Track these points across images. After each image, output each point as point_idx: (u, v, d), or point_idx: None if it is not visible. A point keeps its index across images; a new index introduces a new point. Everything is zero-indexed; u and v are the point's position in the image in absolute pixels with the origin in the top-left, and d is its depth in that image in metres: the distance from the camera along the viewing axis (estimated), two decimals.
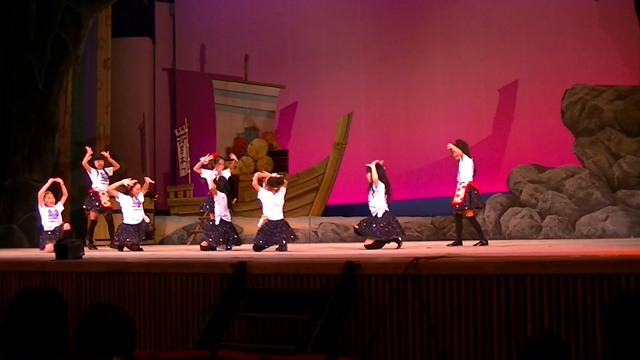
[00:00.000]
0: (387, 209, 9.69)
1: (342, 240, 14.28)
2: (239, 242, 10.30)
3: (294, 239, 9.90)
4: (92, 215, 12.16)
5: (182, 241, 15.31)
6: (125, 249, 10.99)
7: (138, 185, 11.32)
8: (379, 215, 9.62)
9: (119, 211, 11.56)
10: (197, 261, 7.12)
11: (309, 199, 15.07)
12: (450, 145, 10.10)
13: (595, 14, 13.45)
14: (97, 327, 2.69)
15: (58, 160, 15.52)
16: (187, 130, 16.85)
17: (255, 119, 17.19)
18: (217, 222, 10.13)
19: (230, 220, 10.25)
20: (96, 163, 12.14)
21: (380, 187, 9.66)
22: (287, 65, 17.00)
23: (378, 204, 9.65)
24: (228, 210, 10.21)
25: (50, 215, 11.32)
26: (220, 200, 10.16)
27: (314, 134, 16.28)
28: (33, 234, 14.48)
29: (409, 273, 5.58)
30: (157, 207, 15.67)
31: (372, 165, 9.73)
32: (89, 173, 12.16)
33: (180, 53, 18.55)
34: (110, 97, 16.70)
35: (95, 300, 7.06)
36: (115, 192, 11.26)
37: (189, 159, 16.52)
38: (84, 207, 12.39)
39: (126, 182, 11.30)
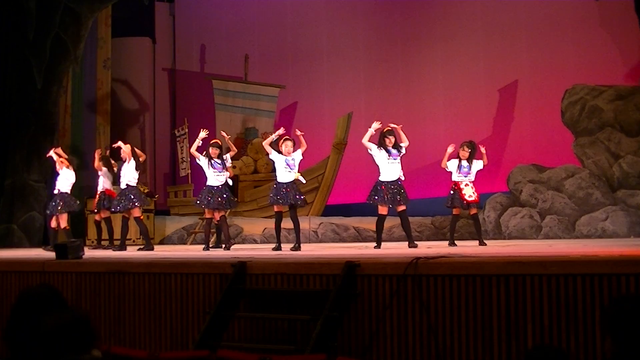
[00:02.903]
0: None
1: (342, 240, 14.29)
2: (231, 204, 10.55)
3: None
4: (104, 213, 12.09)
5: (182, 241, 15.30)
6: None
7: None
8: (402, 179, 9.53)
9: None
10: (197, 261, 7.12)
11: (309, 199, 15.04)
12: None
13: (595, 14, 13.47)
14: (52, 334, 2.66)
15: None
16: (187, 130, 16.85)
17: (255, 119, 17.19)
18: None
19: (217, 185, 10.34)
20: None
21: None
22: (287, 65, 17.01)
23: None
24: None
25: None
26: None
27: (314, 134, 16.25)
28: (33, 234, 14.50)
29: (409, 273, 5.57)
30: (157, 207, 15.68)
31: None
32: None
33: (180, 53, 18.56)
34: (111, 98, 16.71)
35: (96, 300, 7.06)
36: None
37: (189, 159, 16.51)
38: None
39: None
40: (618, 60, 13.13)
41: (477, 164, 10.10)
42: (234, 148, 11.00)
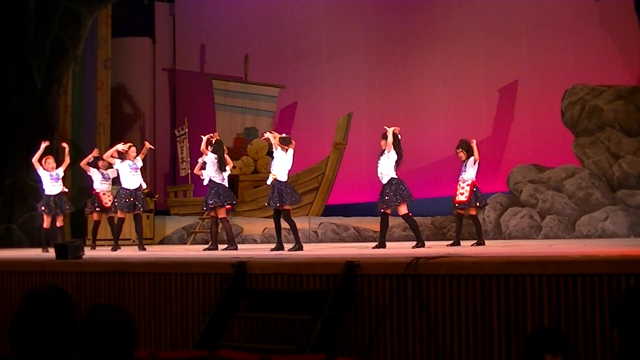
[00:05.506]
0: (395, 176, 9.55)
1: (342, 240, 14.29)
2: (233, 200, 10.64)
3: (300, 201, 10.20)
4: (94, 216, 12.19)
5: (182, 241, 15.31)
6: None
7: (133, 148, 11.11)
8: (384, 182, 9.50)
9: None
10: (197, 261, 7.12)
11: (309, 199, 15.07)
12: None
13: (595, 14, 13.46)
14: (103, 328, 2.69)
15: (58, 160, 15.49)
16: (187, 130, 16.85)
17: (255, 119, 17.19)
18: (205, 182, 10.41)
19: (221, 182, 10.38)
20: (100, 163, 12.10)
21: (392, 155, 9.52)
22: (287, 65, 17.00)
23: (386, 170, 9.52)
24: (219, 172, 10.39)
25: (52, 178, 11.10)
26: (211, 161, 10.39)
27: (314, 134, 16.28)
28: (33, 234, 14.47)
29: (409, 273, 5.58)
30: (157, 207, 15.68)
31: (390, 131, 9.55)
32: (88, 173, 12.13)
33: (180, 53, 18.55)
34: (110, 97, 16.70)
35: (96, 300, 7.06)
36: (111, 159, 11.15)
37: (189, 159, 16.51)
38: (86, 209, 12.56)
39: (120, 147, 11.13)
40: (618, 60, 13.12)
41: (470, 161, 10.01)
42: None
